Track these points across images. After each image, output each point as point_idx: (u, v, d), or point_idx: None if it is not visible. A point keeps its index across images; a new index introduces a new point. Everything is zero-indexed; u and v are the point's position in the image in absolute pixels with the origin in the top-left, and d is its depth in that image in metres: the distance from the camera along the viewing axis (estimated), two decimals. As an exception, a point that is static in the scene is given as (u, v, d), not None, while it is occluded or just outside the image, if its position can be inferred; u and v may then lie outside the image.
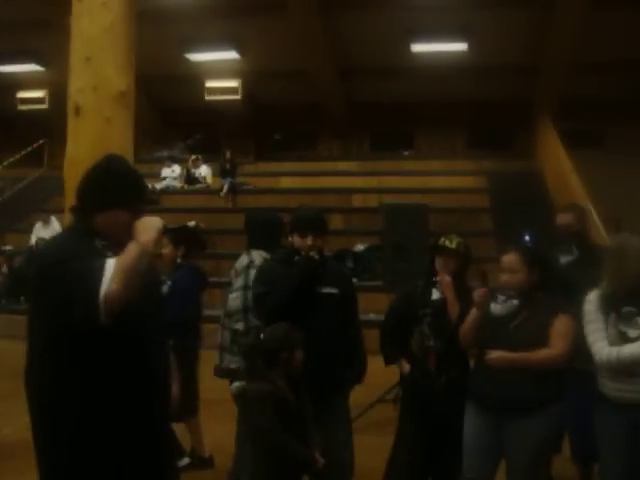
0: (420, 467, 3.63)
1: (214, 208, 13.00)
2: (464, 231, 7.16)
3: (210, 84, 14.92)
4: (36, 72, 14.79)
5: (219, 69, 14.48)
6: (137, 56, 5.34)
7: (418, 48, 13.20)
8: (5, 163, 15.36)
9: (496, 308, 3.24)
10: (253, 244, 4.14)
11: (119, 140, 5.08)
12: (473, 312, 3.25)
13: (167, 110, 16.37)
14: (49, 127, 14.07)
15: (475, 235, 8.38)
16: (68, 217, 4.00)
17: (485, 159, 14.53)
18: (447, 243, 3.65)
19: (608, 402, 3.09)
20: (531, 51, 12.66)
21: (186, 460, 4.55)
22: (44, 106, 15.28)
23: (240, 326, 3.93)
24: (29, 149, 15.77)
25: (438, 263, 3.65)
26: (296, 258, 3.36)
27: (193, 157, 14.46)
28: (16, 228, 13.21)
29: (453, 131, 15.49)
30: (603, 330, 3.06)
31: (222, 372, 4.08)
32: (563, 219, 4.33)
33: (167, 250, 4.49)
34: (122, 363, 2.25)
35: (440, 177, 13.91)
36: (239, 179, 14.15)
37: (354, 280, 4.84)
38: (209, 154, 14.87)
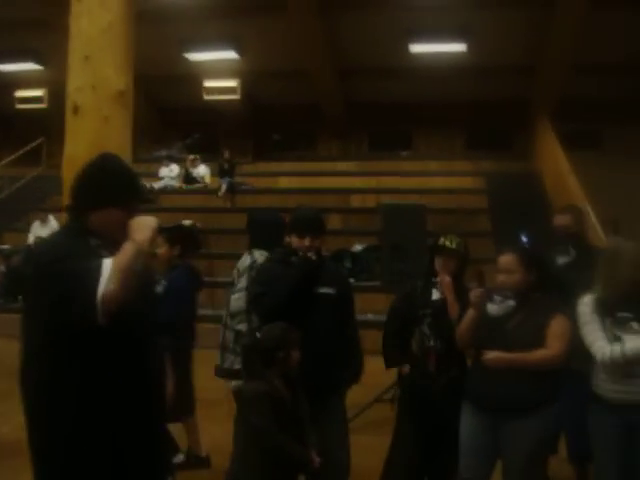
0: (417, 467, 3.64)
1: (212, 208, 12.99)
2: (462, 231, 7.15)
3: (209, 84, 14.88)
4: (35, 71, 14.78)
5: (218, 69, 14.45)
6: (136, 56, 5.36)
7: (417, 48, 13.18)
8: (3, 162, 15.30)
9: (493, 308, 3.25)
10: (255, 244, 4.13)
11: (117, 139, 5.09)
12: (470, 312, 3.25)
13: (166, 110, 16.34)
14: (47, 126, 14.04)
15: (473, 235, 8.31)
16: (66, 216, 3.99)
17: (483, 160, 14.52)
18: (447, 243, 3.63)
19: (602, 403, 3.10)
20: (530, 51, 12.65)
21: (181, 457, 4.54)
22: (43, 105, 15.25)
23: (243, 327, 3.93)
24: (27, 148, 15.71)
25: (438, 263, 3.64)
26: (293, 258, 3.36)
27: (191, 157, 14.43)
28: (14, 227, 13.18)
29: (452, 131, 15.47)
30: (601, 330, 3.07)
31: (224, 372, 4.07)
32: (561, 220, 4.33)
33: (162, 249, 4.41)
34: (120, 363, 2.25)
35: (438, 177, 13.92)
36: (237, 179, 14.11)
37: (351, 280, 4.83)
38: (207, 154, 14.85)
